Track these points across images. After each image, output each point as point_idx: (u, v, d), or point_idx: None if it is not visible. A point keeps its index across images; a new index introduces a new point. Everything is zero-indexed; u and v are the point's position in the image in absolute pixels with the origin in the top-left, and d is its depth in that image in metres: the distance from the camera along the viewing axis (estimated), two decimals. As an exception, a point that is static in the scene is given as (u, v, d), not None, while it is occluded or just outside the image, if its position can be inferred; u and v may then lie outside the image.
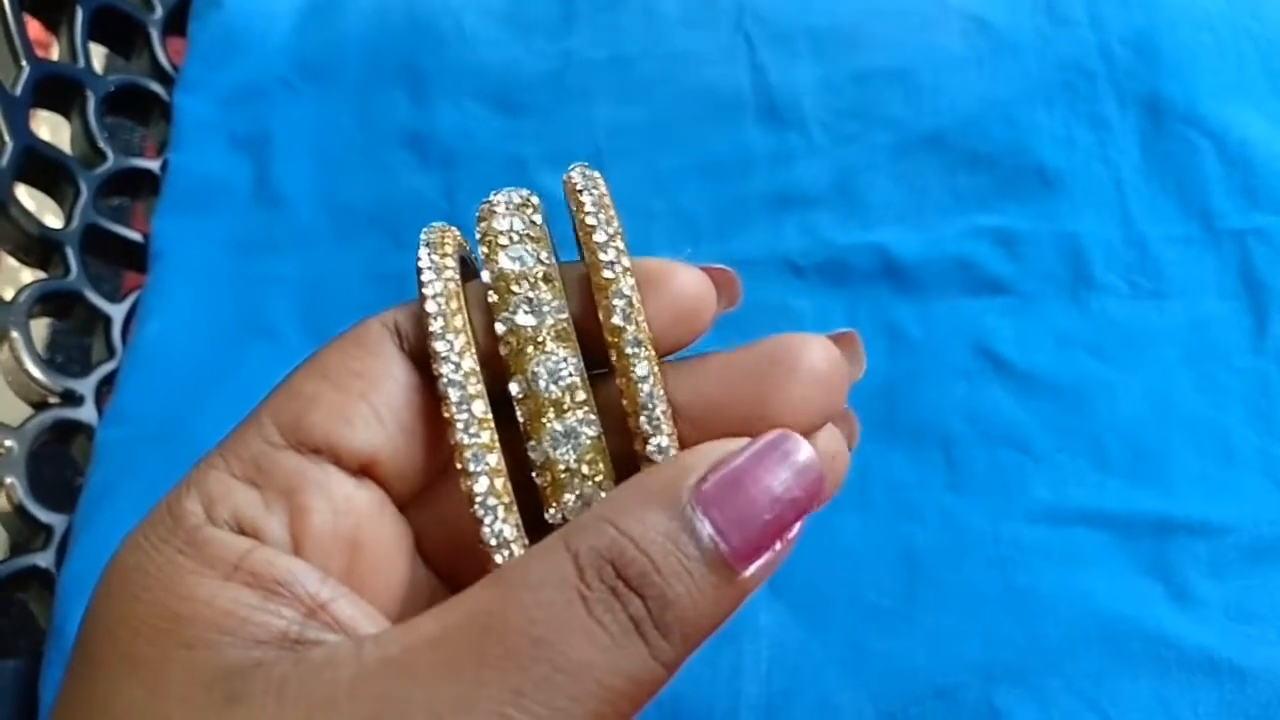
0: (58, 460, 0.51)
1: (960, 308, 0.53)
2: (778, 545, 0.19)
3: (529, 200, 0.24)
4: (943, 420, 0.50)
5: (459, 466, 0.19)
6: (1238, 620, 0.44)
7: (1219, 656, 0.42)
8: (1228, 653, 0.42)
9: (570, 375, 0.20)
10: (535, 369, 0.20)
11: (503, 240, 0.22)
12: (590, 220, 0.23)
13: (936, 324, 0.53)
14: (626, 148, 0.60)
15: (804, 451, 0.20)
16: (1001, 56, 0.59)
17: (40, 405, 0.51)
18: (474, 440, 0.19)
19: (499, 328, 0.20)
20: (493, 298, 0.21)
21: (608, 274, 0.21)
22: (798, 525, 0.20)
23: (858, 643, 0.44)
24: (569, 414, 0.20)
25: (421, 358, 0.20)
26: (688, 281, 0.22)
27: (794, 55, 0.60)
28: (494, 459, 0.19)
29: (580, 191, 0.24)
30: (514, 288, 0.21)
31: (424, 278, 0.21)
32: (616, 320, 0.20)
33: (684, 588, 0.18)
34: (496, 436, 0.19)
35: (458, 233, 0.23)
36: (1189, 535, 0.46)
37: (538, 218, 0.24)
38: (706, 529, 0.18)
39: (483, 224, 0.23)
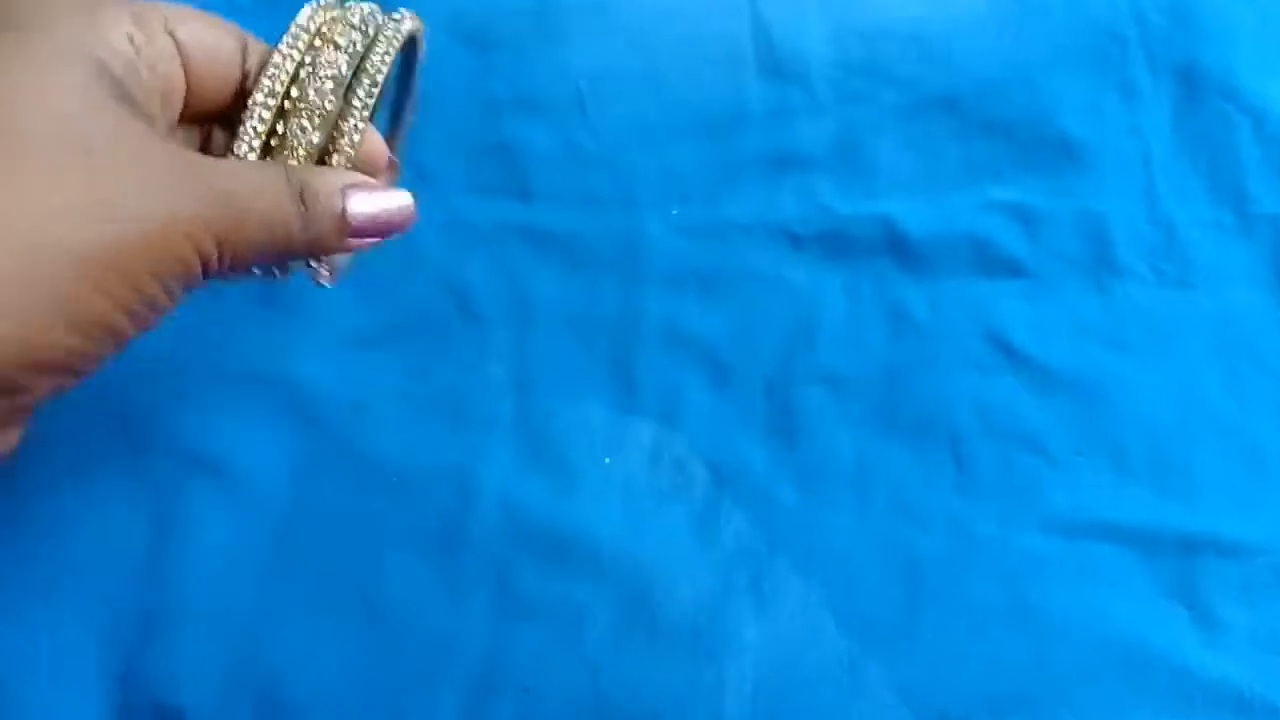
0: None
1: (972, 289, 0.49)
2: (368, 241, 0.30)
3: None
4: (951, 414, 0.46)
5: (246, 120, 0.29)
6: (1269, 651, 0.40)
7: (1248, 691, 0.39)
8: (1259, 688, 0.39)
9: (329, 99, 0.29)
10: (311, 87, 0.29)
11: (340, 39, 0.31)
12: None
13: (946, 306, 0.49)
14: (611, 94, 0.55)
15: (405, 199, 0.31)
16: (1027, 17, 0.54)
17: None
18: (262, 111, 0.29)
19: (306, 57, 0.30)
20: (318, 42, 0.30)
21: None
22: (381, 239, 0.30)
23: (853, 660, 0.40)
24: (316, 118, 0.29)
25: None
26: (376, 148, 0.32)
27: (800, 5, 0.55)
28: (269, 116, 0.29)
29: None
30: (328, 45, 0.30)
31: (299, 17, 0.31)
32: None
33: (325, 219, 0.28)
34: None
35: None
36: (1217, 555, 0.42)
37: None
38: (345, 202, 0.29)
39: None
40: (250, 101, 0.29)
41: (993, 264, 0.50)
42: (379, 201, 0.30)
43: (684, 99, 0.55)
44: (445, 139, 0.54)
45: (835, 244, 0.51)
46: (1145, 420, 0.45)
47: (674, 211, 0.52)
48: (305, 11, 0.31)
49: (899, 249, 0.50)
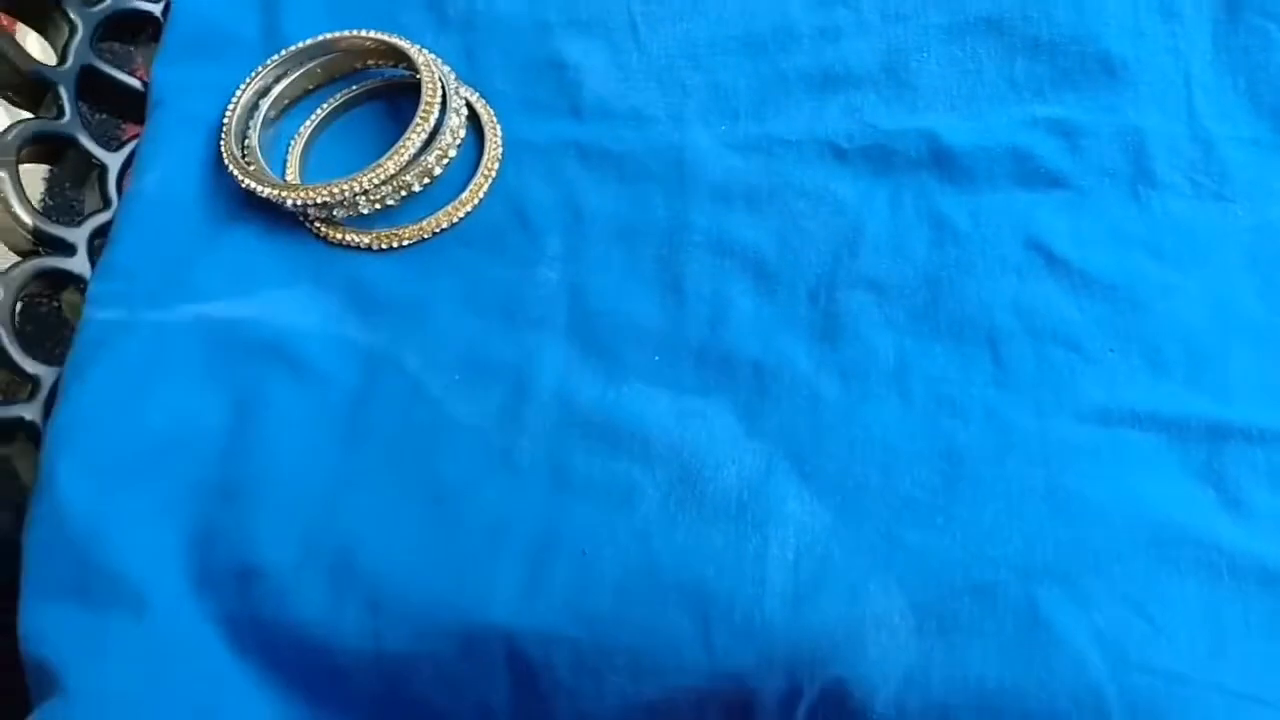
0: (46, 312, 0.49)
1: (1013, 200, 0.52)
2: None
3: None
4: (990, 315, 0.48)
5: None
6: (1295, 529, 0.42)
7: (1275, 566, 0.41)
8: (1284, 561, 0.41)
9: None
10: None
11: None
12: None
13: (987, 216, 0.51)
14: (662, 15, 0.58)
15: None
16: (1071, -63, 0.56)
17: (29, 255, 0.49)
18: None
19: None
20: None
21: None
22: None
23: (891, 534, 0.43)
24: None
25: None
26: None
27: (847, -74, 0.58)
28: None
29: None
30: None
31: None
32: None
33: None
34: None
35: None
36: (1246, 442, 0.44)
37: None
38: None
39: None
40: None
41: (1033, 176, 0.52)
42: None
43: (733, 19, 0.57)
44: (502, 61, 0.57)
45: (880, 158, 0.53)
46: (1179, 322, 0.48)
47: (722, 128, 0.55)
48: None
49: (942, 162, 0.53)
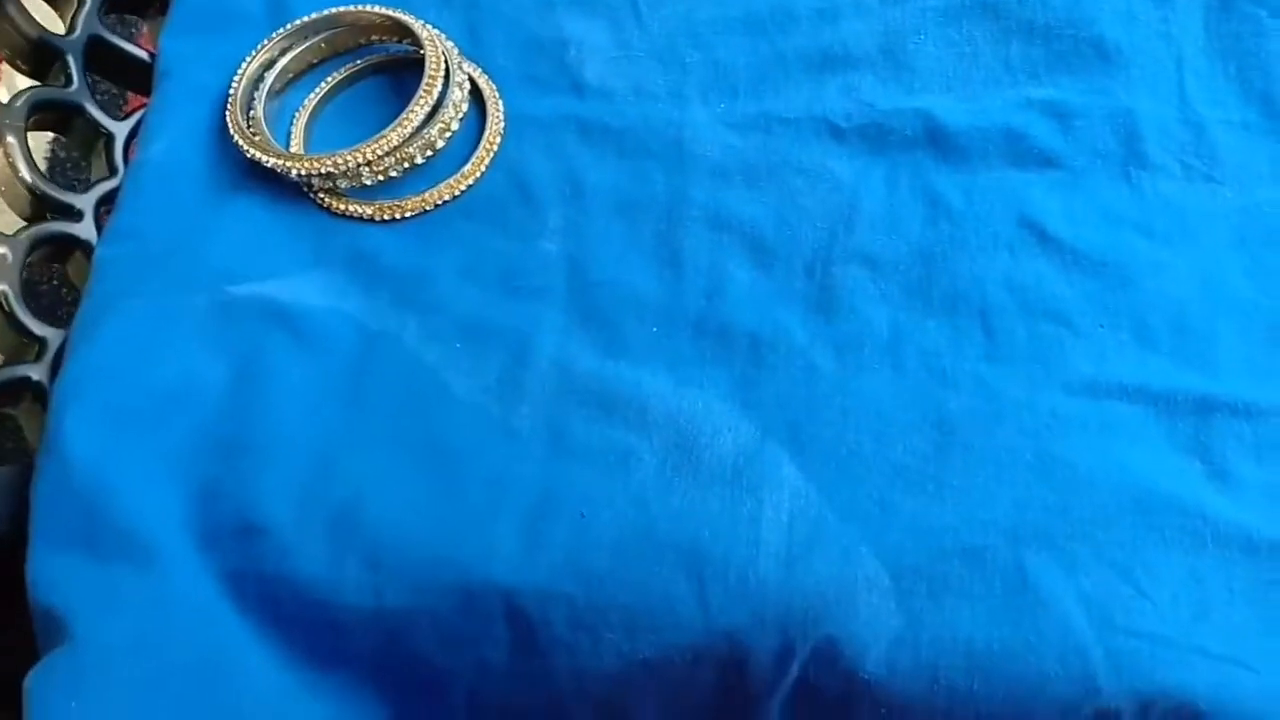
0: (54, 278, 0.50)
1: (1006, 179, 0.53)
2: None
3: None
4: (982, 290, 0.49)
5: None
6: (1277, 500, 0.43)
7: (1259, 536, 0.42)
8: (1268, 533, 0.42)
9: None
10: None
11: None
12: None
13: (980, 194, 0.52)
14: (663, -6, 0.58)
15: None
16: (1066, -78, 0.57)
17: (36, 220, 0.50)
18: None
19: None
20: None
21: None
22: None
23: (883, 499, 0.44)
24: None
25: None
26: None
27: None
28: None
29: None
30: None
31: None
32: None
33: None
34: None
35: None
36: (1231, 416, 0.45)
37: None
38: None
39: None
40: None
41: (1026, 156, 0.53)
42: None
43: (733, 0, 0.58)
44: (504, 37, 0.58)
45: (876, 136, 0.54)
46: (1168, 299, 0.49)
47: (721, 106, 0.56)
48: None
49: (937, 142, 0.54)
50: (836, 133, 0.54)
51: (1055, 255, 0.50)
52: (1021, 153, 0.53)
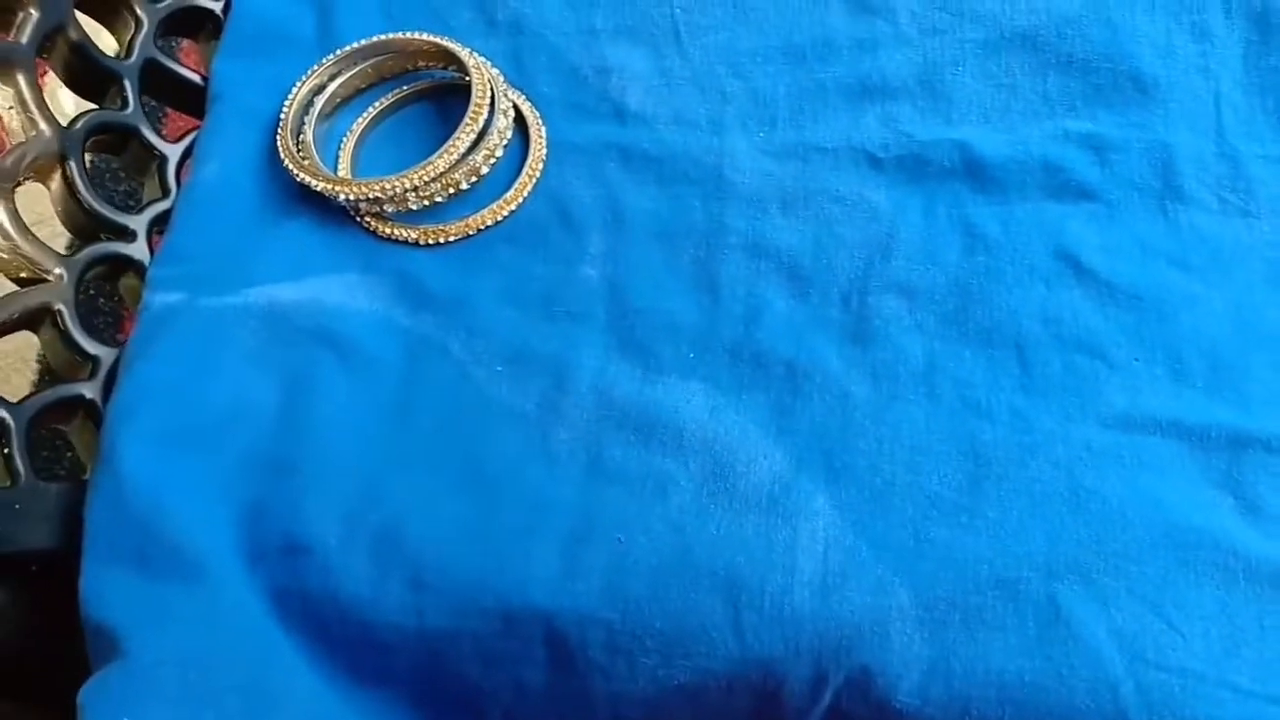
0: (107, 297, 0.51)
1: (1043, 211, 0.53)
2: None
3: None
4: (1017, 322, 0.50)
5: None
6: (1312, 538, 0.44)
7: (1290, 570, 0.42)
8: (1299, 567, 0.42)
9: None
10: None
11: None
12: None
13: (1017, 226, 0.53)
14: (704, 24, 0.60)
15: None
16: (1106, -43, 0.57)
17: (90, 241, 0.51)
18: None
19: None
20: None
21: None
22: None
23: (917, 530, 0.44)
24: None
25: None
26: None
27: (887, -59, 0.59)
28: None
29: None
30: None
31: None
32: None
33: None
34: None
35: None
36: (1264, 451, 0.46)
37: None
38: None
39: None
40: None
41: (1063, 189, 0.54)
42: None
43: (773, 30, 0.59)
44: (548, 65, 0.59)
45: (914, 167, 0.55)
46: (1202, 334, 0.49)
47: (760, 134, 0.57)
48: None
49: (974, 173, 0.54)
50: (874, 162, 0.55)
51: (1091, 288, 0.50)
52: (1059, 185, 0.53)
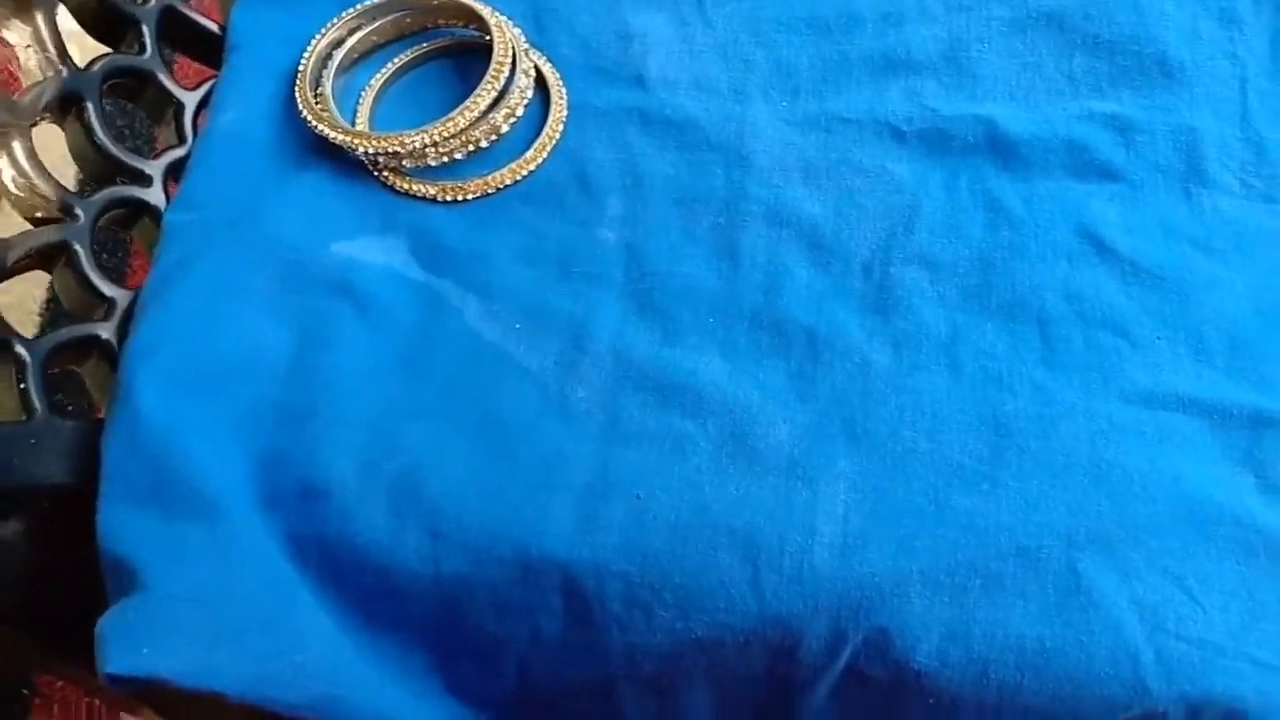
0: (111, 251, 0.51)
1: (1066, 189, 0.54)
2: None
3: None
4: (1040, 298, 0.51)
5: None
6: (1331, 515, 0.45)
7: (1309, 546, 0.43)
8: (1319, 544, 0.43)
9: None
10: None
11: None
12: None
13: (1040, 203, 0.54)
14: (730, -8, 0.60)
15: None
16: (1136, -60, 0.58)
17: (106, 184, 0.52)
18: None
19: None
20: None
21: None
22: None
23: (938, 496, 0.45)
24: None
25: None
26: None
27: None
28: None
29: None
30: None
31: None
32: None
33: None
34: None
35: None
36: (1285, 431, 0.46)
37: None
38: None
39: None
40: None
41: (1087, 168, 0.55)
42: None
43: (798, 0, 0.60)
44: (570, 27, 0.60)
45: (937, 141, 0.56)
46: (1224, 315, 0.50)
47: (783, 104, 0.58)
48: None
49: (998, 149, 0.55)
50: (897, 135, 0.56)
51: (1114, 266, 0.51)
52: (1082, 164, 0.54)
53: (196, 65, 0.59)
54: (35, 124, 0.48)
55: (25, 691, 0.70)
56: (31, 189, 0.46)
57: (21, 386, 0.42)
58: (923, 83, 0.57)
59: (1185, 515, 0.44)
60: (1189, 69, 0.56)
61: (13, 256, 0.44)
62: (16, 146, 0.45)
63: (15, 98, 0.46)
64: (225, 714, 0.39)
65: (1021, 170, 0.54)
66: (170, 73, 0.55)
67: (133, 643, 0.38)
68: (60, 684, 0.72)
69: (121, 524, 0.42)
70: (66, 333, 0.46)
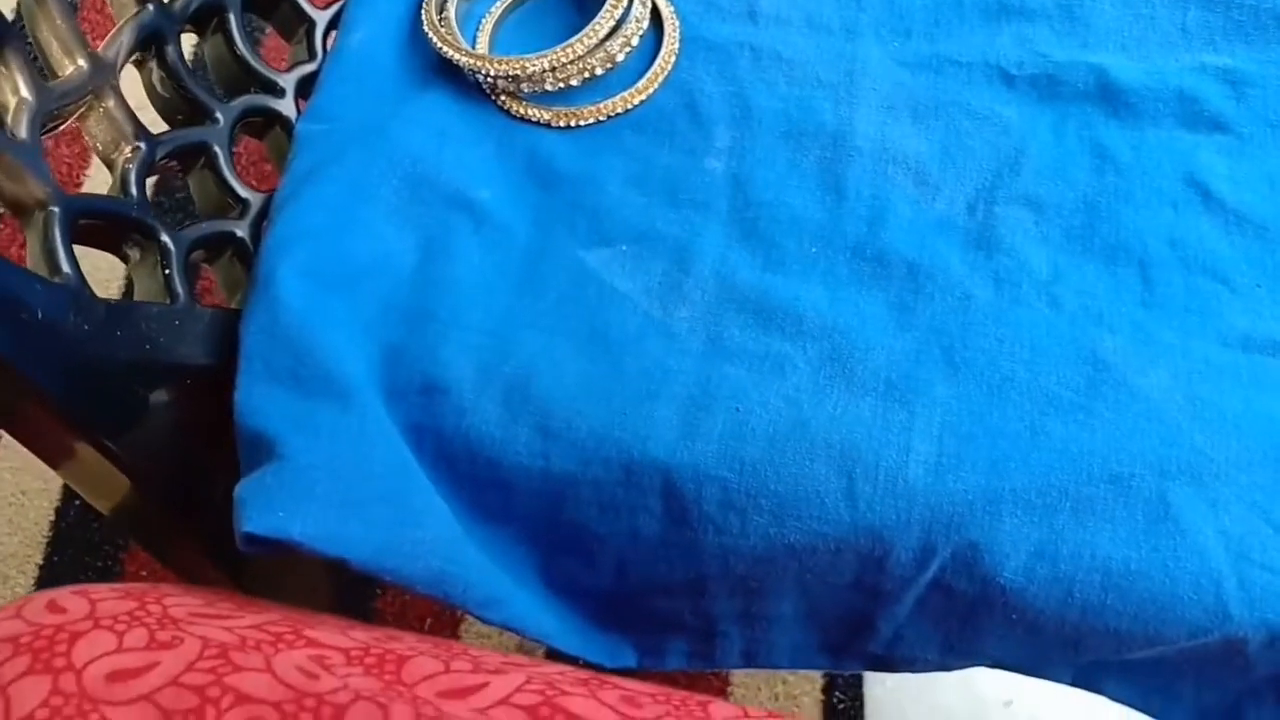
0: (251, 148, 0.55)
1: (1175, 139, 0.56)
2: None
3: None
4: (1143, 242, 0.52)
5: None
6: None
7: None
8: None
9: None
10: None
11: None
12: None
13: (1148, 151, 0.55)
14: (846, -69, 0.62)
15: None
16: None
17: (239, 93, 0.56)
18: None
19: None
20: None
21: None
22: None
23: (1034, 423, 0.47)
24: None
25: None
26: None
27: None
28: None
29: None
30: None
31: None
32: None
33: None
34: None
35: None
36: (1385, 382, 0.48)
37: None
38: None
39: None
40: None
41: (1197, 119, 0.56)
42: None
43: (916, -58, 0.62)
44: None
45: (1047, 86, 0.58)
46: (1327, 268, 0.51)
47: (895, 44, 0.60)
48: None
49: (1108, 97, 0.57)
50: (1007, 79, 0.58)
51: (1218, 215, 0.53)
52: (1192, 115, 0.56)
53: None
54: (183, 30, 0.51)
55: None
56: (177, 90, 0.50)
57: (166, 273, 0.46)
58: (1035, 29, 0.59)
59: (1276, 454, 0.46)
60: (1307, 25, 0.57)
61: (161, 152, 0.48)
62: (169, 50, 0.49)
63: (168, 2, 0.49)
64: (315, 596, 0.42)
65: (1130, 119, 0.56)
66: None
67: (270, 505, 0.41)
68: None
69: (259, 400, 0.45)
70: (208, 226, 0.50)
